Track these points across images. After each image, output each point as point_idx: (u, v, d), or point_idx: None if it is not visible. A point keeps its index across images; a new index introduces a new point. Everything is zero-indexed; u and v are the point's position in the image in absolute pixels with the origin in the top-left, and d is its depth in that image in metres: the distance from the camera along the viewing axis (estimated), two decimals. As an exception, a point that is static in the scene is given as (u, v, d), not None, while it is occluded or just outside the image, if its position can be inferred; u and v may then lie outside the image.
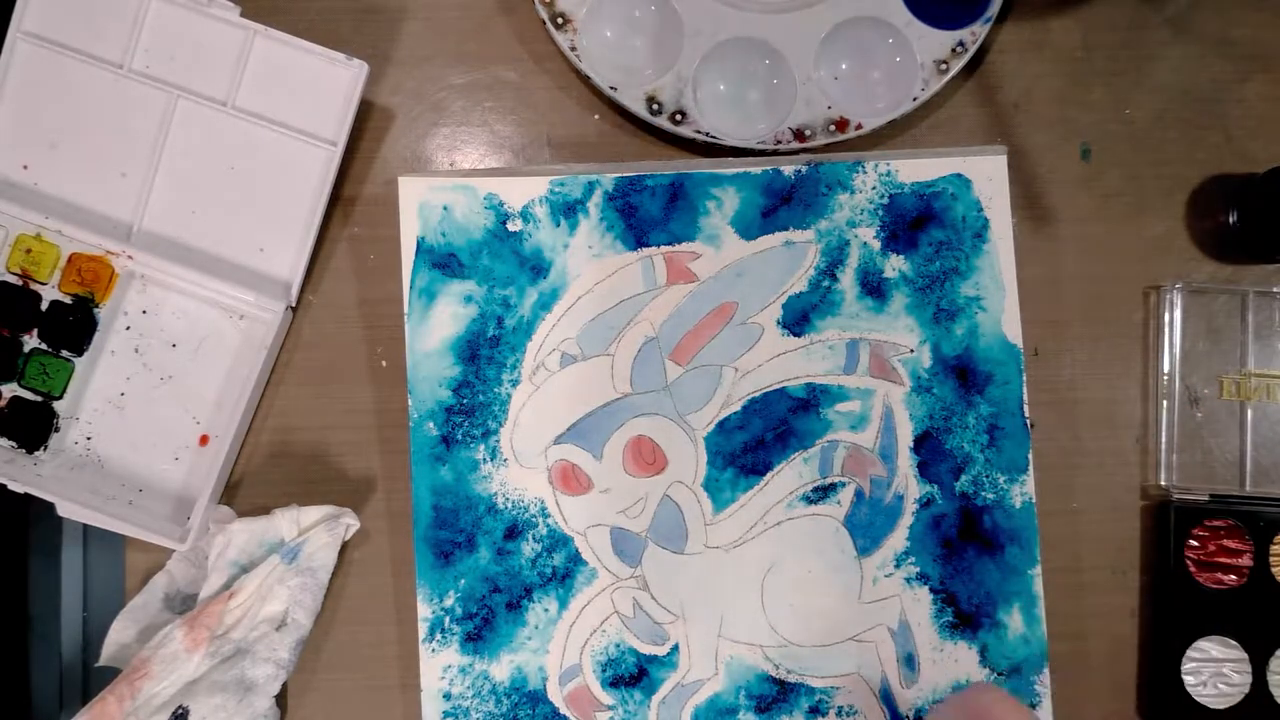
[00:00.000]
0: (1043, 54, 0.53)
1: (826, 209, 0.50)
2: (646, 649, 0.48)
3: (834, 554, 0.49)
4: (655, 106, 0.50)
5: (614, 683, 0.48)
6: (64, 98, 0.49)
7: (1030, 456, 0.49)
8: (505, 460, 0.49)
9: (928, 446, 0.49)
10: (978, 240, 0.50)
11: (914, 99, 0.50)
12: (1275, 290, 0.51)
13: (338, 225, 0.51)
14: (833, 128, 0.50)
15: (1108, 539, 0.51)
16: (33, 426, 0.48)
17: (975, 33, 0.50)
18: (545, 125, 0.52)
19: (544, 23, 0.50)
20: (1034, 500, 0.49)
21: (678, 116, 0.50)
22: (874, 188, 0.50)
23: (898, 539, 0.49)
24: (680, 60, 0.50)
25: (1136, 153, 0.53)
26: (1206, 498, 0.50)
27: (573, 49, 0.49)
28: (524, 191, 0.50)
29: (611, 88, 0.50)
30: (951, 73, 0.50)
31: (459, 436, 0.49)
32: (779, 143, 0.50)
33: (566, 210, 0.50)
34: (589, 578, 0.48)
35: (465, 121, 0.52)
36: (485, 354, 0.49)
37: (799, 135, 0.50)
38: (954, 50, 0.50)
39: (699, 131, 0.49)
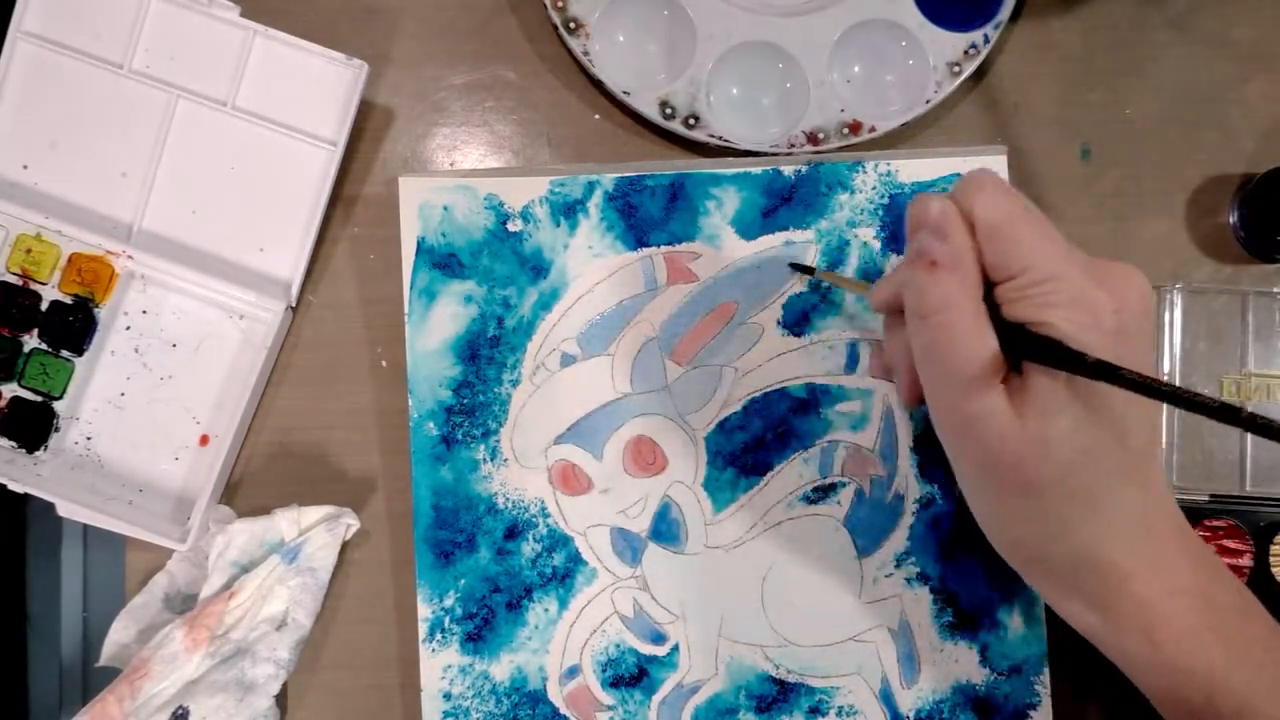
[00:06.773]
0: (1043, 54, 0.53)
1: (826, 209, 0.50)
2: (646, 649, 0.48)
3: (834, 554, 0.49)
4: (669, 111, 0.49)
5: (614, 683, 0.48)
6: (64, 98, 0.49)
7: (1030, 456, 0.49)
8: (505, 460, 0.49)
9: (928, 446, 0.49)
10: (978, 240, 0.50)
11: (927, 101, 0.50)
12: (1275, 290, 0.51)
13: (338, 225, 0.51)
14: (846, 131, 0.50)
15: (1108, 539, 0.51)
16: (33, 426, 0.48)
17: (988, 34, 0.50)
18: (545, 125, 0.52)
19: (556, 28, 0.49)
20: (1034, 500, 0.49)
21: (691, 121, 0.49)
22: (874, 188, 0.50)
23: (898, 539, 0.49)
24: (693, 64, 0.50)
25: (1136, 153, 0.52)
26: (1206, 498, 0.50)
27: (585, 54, 0.49)
28: (524, 191, 0.50)
29: (625, 92, 0.49)
30: (964, 74, 0.50)
31: (459, 436, 0.49)
32: (792, 146, 0.50)
33: (566, 210, 0.50)
34: (589, 578, 0.48)
35: (465, 121, 0.52)
36: (485, 354, 0.49)
37: (812, 139, 0.50)
38: (966, 52, 0.50)
39: (712, 135, 0.49)
